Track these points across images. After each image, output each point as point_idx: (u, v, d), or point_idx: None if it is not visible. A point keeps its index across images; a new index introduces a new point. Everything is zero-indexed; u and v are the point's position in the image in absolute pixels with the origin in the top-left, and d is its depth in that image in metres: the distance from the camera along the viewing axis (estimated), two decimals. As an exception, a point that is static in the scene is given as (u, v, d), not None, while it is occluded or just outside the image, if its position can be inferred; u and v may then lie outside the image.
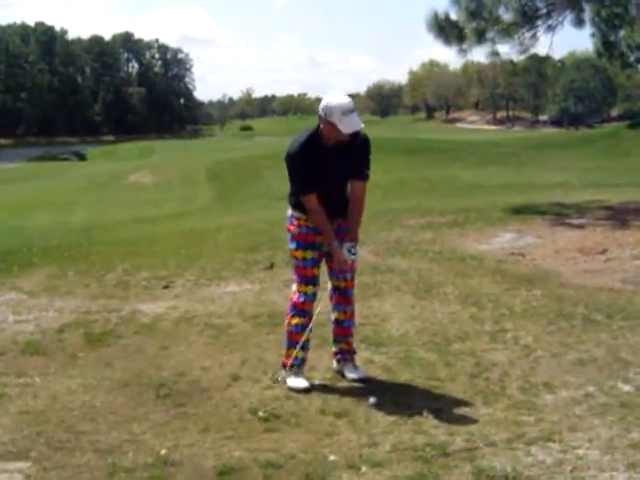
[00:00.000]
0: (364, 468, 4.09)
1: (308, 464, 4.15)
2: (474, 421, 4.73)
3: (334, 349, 5.75)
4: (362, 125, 5.20)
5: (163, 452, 4.34)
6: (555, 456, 4.17)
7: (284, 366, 5.55)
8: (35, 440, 4.56)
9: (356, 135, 5.25)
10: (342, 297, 5.58)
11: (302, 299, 5.49)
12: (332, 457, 4.24)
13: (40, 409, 5.10)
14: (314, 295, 5.52)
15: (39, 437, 4.60)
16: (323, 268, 5.61)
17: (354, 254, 5.48)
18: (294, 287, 5.54)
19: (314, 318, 5.53)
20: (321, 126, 5.21)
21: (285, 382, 5.46)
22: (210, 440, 4.53)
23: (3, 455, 4.34)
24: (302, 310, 5.50)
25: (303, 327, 5.51)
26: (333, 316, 5.68)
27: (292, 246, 5.49)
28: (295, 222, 5.46)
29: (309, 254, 5.44)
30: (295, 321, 5.52)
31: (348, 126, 5.11)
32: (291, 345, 5.54)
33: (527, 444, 4.33)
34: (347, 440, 4.49)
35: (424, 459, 4.16)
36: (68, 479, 4.05)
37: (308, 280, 5.48)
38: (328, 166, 5.26)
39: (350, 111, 5.11)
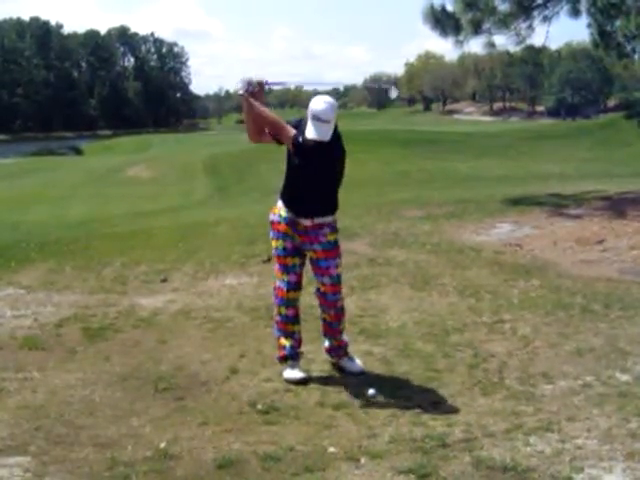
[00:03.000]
0: (363, 460, 4.10)
1: (307, 456, 4.16)
2: (473, 412, 4.74)
3: (326, 344, 5.77)
4: (327, 139, 5.16)
5: (162, 445, 4.35)
6: (554, 446, 4.18)
7: (280, 360, 5.58)
8: (34, 435, 4.56)
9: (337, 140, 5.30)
10: (324, 300, 5.58)
11: (285, 288, 5.52)
12: (331, 449, 4.25)
13: (39, 404, 5.10)
14: (296, 284, 5.55)
15: (38, 432, 4.61)
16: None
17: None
18: (276, 275, 5.60)
19: None
20: None
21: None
22: (209, 433, 4.53)
23: (2, 450, 4.35)
24: (287, 299, 5.54)
25: (289, 317, 5.56)
26: (321, 315, 5.71)
27: (271, 234, 5.58)
28: (275, 210, 5.56)
29: (280, 243, 5.50)
30: (282, 311, 5.56)
31: (313, 132, 5.14)
32: (280, 335, 5.60)
33: (526, 434, 4.34)
34: (346, 432, 4.50)
35: (423, 450, 4.18)
36: (67, 473, 4.06)
37: (286, 268, 5.52)
38: (308, 162, 5.27)
39: (322, 120, 5.12)
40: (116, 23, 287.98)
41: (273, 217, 5.54)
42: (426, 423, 4.59)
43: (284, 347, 5.56)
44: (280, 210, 5.51)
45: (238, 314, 7.34)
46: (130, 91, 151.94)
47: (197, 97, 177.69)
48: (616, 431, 4.34)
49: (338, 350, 5.70)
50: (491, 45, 16.66)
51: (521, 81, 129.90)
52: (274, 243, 5.54)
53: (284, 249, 5.50)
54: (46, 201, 24.71)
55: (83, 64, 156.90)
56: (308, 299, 7.34)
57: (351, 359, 5.67)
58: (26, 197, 26.04)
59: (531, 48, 17.51)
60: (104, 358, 6.09)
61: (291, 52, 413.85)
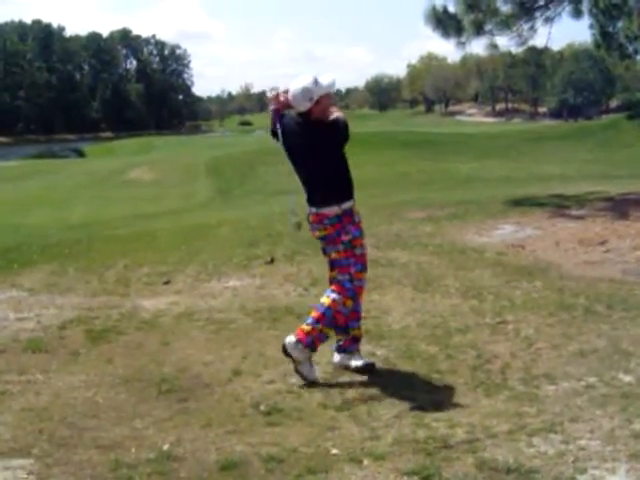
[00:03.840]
0: (366, 461, 4.10)
1: (310, 458, 4.15)
2: (476, 413, 4.73)
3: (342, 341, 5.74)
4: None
5: (165, 447, 4.35)
6: (557, 447, 4.17)
7: (308, 345, 5.40)
8: (37, 437, 4.56)
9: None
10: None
11: (363, 285, 5.59)
12: (334, 451, 4.24)
13: (42, 406, 5.11)
14: None
15: (41, 434, 4.61)
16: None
17: None
18: (356, 275, 5.49)
19: None
20: (315, 116, 5.38)
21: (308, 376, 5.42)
22: (212, 435, 4.53)
23: (6, 452, 4.35)
24: (359, 295, 5.57)
25: (349, 311, 5.52)
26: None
27: (357, 234, 5.49)
28: (355, 209, 5.54)
29: (365, 242, 5.57)
30: (349, 303, 5.47)
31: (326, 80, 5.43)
32: (331, 326, 5.47)
33: (529, 435, 4.34)
34: (349, 434, 4.50)
35: (426, 452, 4.17)
36: (71, 475, 4.06)
37: (366, 267, 5.58)
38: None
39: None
40: (118, 25, 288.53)
41: (359, 217, 5.54)
42: (429, 424, 4.58)
43: (325, 336, 5.48)
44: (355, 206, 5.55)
45: (241, 316, 7.34)
46: (132, 93, 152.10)
47: (199, 99, 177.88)
48: (619, 432, 4.33)
49: (355, 344, 5.70)
50: (493, 46, 16.69)
51: (523, 82, 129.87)
52: (363, 241, 5.55)
53: (365, 247, 5.59)
54: (48, 203, 24.73)
55: (85, 67, 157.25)
56: (312, 300, 7.36)
57: (360, 355, 5.68)
58: (28, 199, 26.06)
59: (533, 49, 17.56)
60: (107, 360, 6.10)
61: (292, 54, 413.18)
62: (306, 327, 5.42)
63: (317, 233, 5.55)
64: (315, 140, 5.41)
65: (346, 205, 5.45)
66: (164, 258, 10.59)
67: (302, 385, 5.36)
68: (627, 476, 3.84)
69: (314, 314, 5.45)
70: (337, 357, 5.76)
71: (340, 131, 5.43)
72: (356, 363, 5.64)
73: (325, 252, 5.66)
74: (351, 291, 5.45)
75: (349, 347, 5.71)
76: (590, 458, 4.02)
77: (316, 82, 5.32)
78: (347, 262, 5.46)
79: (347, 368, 5.66)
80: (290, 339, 5.41)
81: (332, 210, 5.41)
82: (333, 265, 5.62)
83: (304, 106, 5.34)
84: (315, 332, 5.40)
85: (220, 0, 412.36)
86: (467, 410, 4.80)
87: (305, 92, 5.30)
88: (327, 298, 5.46)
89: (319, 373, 5.48)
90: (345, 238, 5.42)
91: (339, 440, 4.39)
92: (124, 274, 9.62)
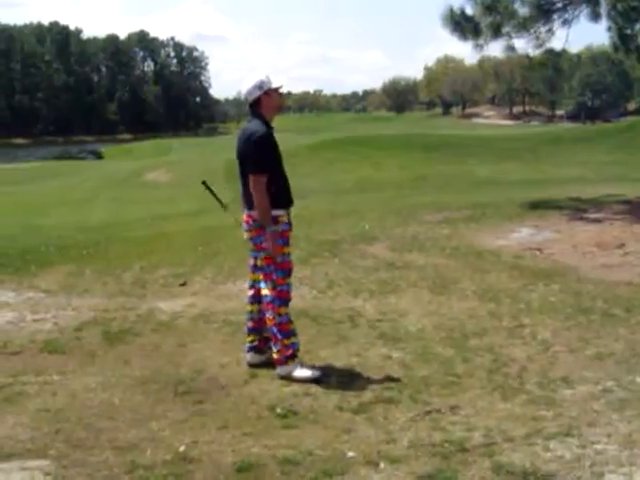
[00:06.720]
0: (382, 464, 4.09)
1: (326, 460, 4.15)
2: (492, 417, 4.72)
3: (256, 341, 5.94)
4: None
5: (182, 449, 4.35)
6: (574, 451, 4.15)
7: (288, 359, 5.63)
8: (54, 438, 4.58)
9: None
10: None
11: (289, 289, 5.74)
12: (350, 453, 4.24)
13: (59, 407, 5.12)
14: None
15: (58, 435, 4.63)
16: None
17: None
18: (279, 282, 5.67)
19: None
20: (264, 109, 5.70)
21: (292, 375, 5.57)
22: (228, 437, 4.54)
23: (23, 453, 4.37)
24: (287, 300, 5.72)
25: (289, 315, 5.72)
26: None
27: (279, 243, 5.62)
28: (282, 219, 5.66)
29: (289, 249, 5.73)
30: (284, 311, 5.68)
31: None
32: (284, 337, 5.65)
33: (546, 439, 4.32)
34: (365, 436, 4.49)
35: (442, 455, 4.16)
36: (87, 476, 4.07)
37: (290, 272, 5.74)
38: (278, 153, 5.75)
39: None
40: (135, 27, 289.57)
41: (283, 227, 5.65)
42: (445, 428, 4.57)
43: (292, 345, 5.67)
44: (284, 217, 5.67)
45: (257, 318, 7.34)
46: (150, 95, 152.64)
47: (216, 101, 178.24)
48: (636, 436, 4.31)
49: (268, 343, 5.87)
50: (511, 49, 16.61)
51: (541, 85, 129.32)
52: (286, 250, 5.68)
53: (289, 254, 5.72)
54: (66, 205, 24.81)
55: (103, 68, 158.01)
56: (328, 302, 7.36)
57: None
58: (46, 201, 26.16)
59: (551, 51, 17.42)
60: (124, 362, 6.12)
61: (308, 56, 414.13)
62: (274, 353, 5.69)
63: (246, 234, 5.79)
64: (245, 148, 5.66)
65: (271, 213, 5.59)
66: (181, 260, 10.61)
67: (317, 384, 5.38)
68: (645, 481, 3.82)
69: (272, 339, 5.73)
70: (250, 357, 5.93)
71: (256, 156, 5.62)
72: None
73: (255, 257, 5.87)
74: (277, 300, 5.66)
75: (264, 347, 5.88)
76: (607, 462, 4.01)
77: (268, 77, 5.71)
78: (269, 269, 5.69)
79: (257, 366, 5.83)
80: (277, 370, 5.66)
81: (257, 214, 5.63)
82: (257, 270, 5.86)
83: (254, 94, 5.66)
84: (283, 350, 5.63)
85: (237, 2, 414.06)
86: (484, 413, 4.78)
87: (258, 82, 5.66)
88: (267, 319, 5.74)
89: (316, 370, 5.61)
90: (266, 246, 5.62)
91: (355, 443, 4.39)
92: (141, 276, 9.65)
